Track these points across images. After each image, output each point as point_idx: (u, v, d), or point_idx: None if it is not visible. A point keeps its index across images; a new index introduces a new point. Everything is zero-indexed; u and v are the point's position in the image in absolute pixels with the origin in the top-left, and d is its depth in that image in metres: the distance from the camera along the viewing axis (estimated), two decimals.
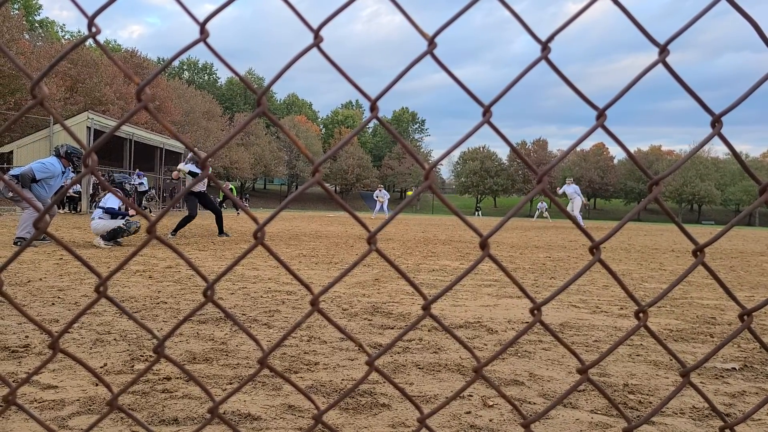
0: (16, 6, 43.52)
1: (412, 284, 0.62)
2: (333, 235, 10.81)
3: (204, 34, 0.50)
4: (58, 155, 6.84)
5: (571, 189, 17.29)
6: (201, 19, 0.51)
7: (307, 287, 0.63)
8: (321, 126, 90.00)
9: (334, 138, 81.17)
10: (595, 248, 0.58)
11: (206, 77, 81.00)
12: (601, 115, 0.57)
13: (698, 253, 0.60)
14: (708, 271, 0.63)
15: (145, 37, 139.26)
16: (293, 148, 69.57)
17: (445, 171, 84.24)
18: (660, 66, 0.57)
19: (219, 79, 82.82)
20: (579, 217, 18.36)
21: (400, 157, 76.96)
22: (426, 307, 0.62)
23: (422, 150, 79.49)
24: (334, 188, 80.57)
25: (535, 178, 0.60)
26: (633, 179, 70.00)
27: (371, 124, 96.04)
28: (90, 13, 0.50)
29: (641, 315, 0.58)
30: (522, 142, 74.07)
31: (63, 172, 6.91)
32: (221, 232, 9.34)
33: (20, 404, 0.57)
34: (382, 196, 24.01)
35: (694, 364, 0.66)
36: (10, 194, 6.73)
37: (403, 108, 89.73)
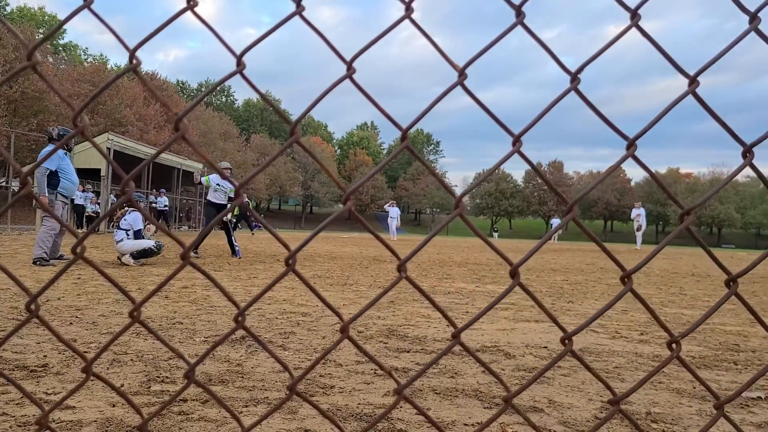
0: (41, 30, 44.94)
1: (443, 314, 0.62)
2: (347, 257, 10.81)
3: (241, 66, 0.52)
4: (51, 139, 6.93)
5: (640, 212, 20.08)
6: (240, 47, 0.53)
7: (330, 308, 0.63)
8: (336, 147, 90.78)
9: (349, 159, 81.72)
10: (626, 278, 0.58)
11: (224, 99, 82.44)
12: (631, 145, 0.57)
13: (731, 283, 0.59)
14: (742, 302, 0.62)
15: (180, 60, 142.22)
16: (308, 168, 70.14)
17: (460, 192, 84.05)
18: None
19: (236, 100, 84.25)
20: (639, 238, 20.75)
21: (415, 178, 77.12)
22: (456, 335, 0.61)
23: (437, 171, 79.44)
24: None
25: (564, 205, 0.60)
26: (651, 202, 69.17)
27: (386, 145, 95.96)
28: (131, 43, 0.52)
29: (674, 346, 0.57)
30: (538, 163, 73.80)
31: (65, 153, 7.07)
32: (234, 252, 9.50)
33: (52, 428, 0.57)
34: (393, 213, 23.49)
35: (729, 396, 0.64)
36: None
37: (418, 130, 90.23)
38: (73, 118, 0.53)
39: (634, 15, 0.53)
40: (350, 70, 0.54)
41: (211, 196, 9.65)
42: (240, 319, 0.60)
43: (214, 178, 9.57)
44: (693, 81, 0.57)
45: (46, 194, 6.62)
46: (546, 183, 0.57)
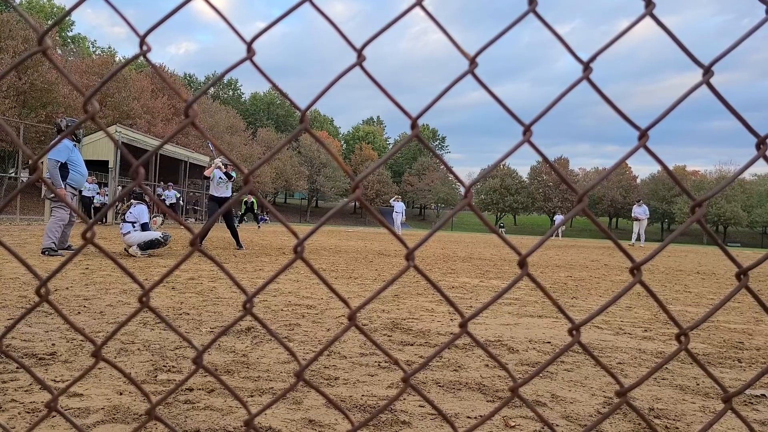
0: (50, 22, 45.02)
1: (451, 303, 0.62)
2: (352, 250, 10.83)
3: (251, 52, 0.52)
4: (59, 130, 6.98)
5: (640, 210, 19.33)
6: (249, 38, 0.53)
7: (344, 301, 0.64)
8: (342, 142, 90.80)
9: (355, 153, 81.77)
10: (636, 269, 0.58)
11: (231, 93, 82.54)
12: (643, 135, 0.57)
13: (742, 276, 0.59)
14: (752, 294, 0.61)
15: (190, 53, 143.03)
16: (314, 162, 70.20)
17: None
18: (704, 87, 0.57)
19: (243, 94, 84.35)
20: (642, 236, 19.91)
21: (420, 173, 77.06)
22: (463, 325, 0.62)
23: (442, 167, 79.44)
24: (353, 204, 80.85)
25: (573, 196, 0.60)
26: (656, 199, 68.91)
27: (390, 141, 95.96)
28: (142, 31, 0.52)
29: (682, 338, 0.57)
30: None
31: (74, 145, 7.13)
32: (238, 244, 9.56)
33: (61, 411, 0.58)
34: (398, 208, 23.27)
35: (736, 389, 0.64)
36: (51, 195, 6.94)
37: (424, 125, 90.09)
38: (83, 103, 0.53)
39: (649, 3, 0.52)
40: (360, 57, 0.54)
41: (214, 191, 9.62)
42: (248, 306, 0.61)
43: (218, 173, 9.58)
44: (707, 71, 0.56)
45: (62, 186, 6.69)
46: (557, 173, 0.57)
